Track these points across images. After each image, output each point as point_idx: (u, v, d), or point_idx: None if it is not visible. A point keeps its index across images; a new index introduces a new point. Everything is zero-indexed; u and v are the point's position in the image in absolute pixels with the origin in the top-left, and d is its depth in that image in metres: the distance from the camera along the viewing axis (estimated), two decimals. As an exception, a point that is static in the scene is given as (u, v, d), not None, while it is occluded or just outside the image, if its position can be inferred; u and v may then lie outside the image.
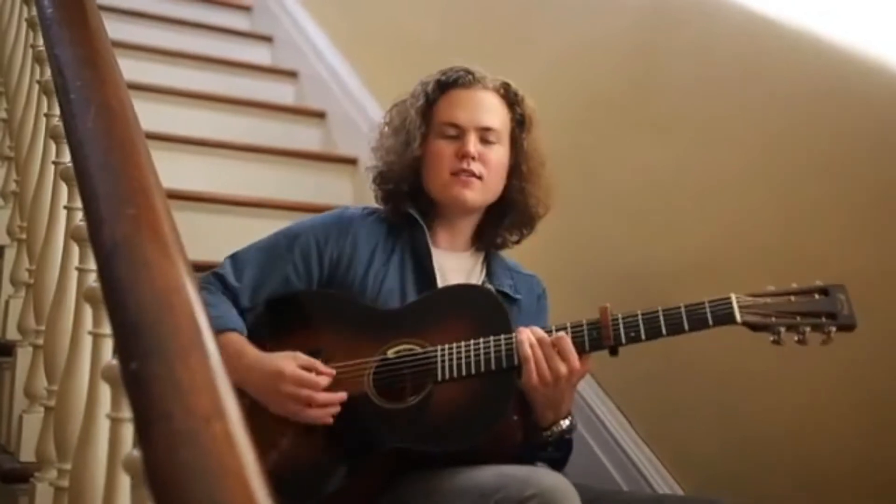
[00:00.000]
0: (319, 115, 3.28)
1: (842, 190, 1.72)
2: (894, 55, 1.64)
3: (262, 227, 2.67)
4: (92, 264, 1.24)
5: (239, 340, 1.52)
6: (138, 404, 0.82)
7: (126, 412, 1.02)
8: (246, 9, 4.03)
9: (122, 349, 0.88)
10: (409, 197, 1.67)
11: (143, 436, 0.79)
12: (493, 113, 1.65)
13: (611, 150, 2.12)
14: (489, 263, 1.70)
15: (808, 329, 1.34)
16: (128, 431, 1.02)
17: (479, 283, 1.66)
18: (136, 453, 0.90)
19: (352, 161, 3.05)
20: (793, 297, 1.36)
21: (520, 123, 1.68)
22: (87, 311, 1.23)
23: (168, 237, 1.02)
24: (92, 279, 1.23)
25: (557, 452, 1.53)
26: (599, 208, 2.11)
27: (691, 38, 2.00)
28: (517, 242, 1.71)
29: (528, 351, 1.42)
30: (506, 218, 1.68)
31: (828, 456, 1.66)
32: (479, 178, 1.61)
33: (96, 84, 1.29)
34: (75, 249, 1.33)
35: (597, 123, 2.16)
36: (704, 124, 1.96)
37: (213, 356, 0.88)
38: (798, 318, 1.34)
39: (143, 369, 0.84)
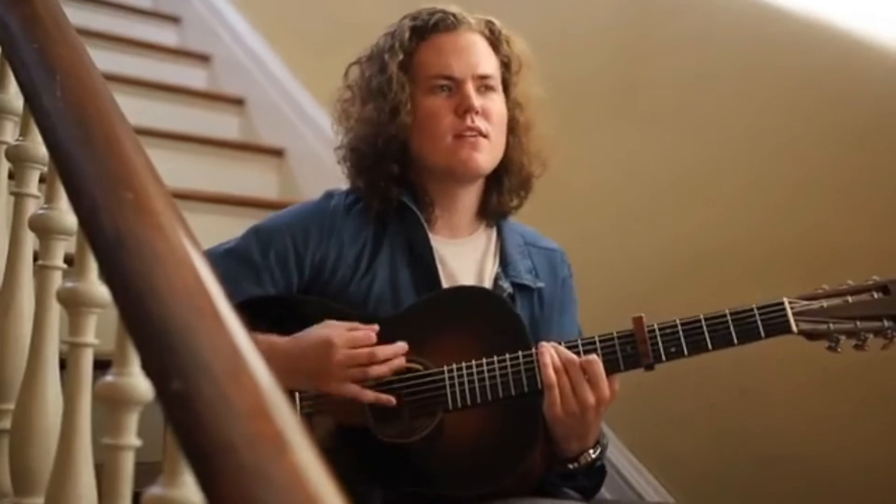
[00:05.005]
0: (238, 102, 3.08)
1: (841, 181, 1.68)
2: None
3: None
4: (58, 260, 1.05)
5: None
6: (191, 433, 0.67)
7: (125, 438, 0.85)
8: (148, -14, 3.76)
9: (156, 365, 0.72)
10: (399, 180, 1.41)
11: (205, 472, 0.64)
12: (487, 57, 1.41)
13: (594, 143, 2.04)
14: (502, 244, 1.46)
15: (869, 335, 1.21)
16: (128, 459, 0.85)
17: (494, 272, 1.43)
18: (160, 490, 0.74)
19: (277, 152, 2.86)
20: (850, 298, 1.23)
21: (507, 67, 1.45)
22: (53, 316, 1.04)
23: (174, 222, 0.86)
24: (59, 277, 1.04)
25: (588, 481, 1.35)
26: (581, 202, 2.02)
27: (686, 28, 1.94)
28: (517, 207, 1.48)
29: (553, 377, 1.22)
30: (505, 181, 1.44)
31: (854, 482, 1.59)
32: (486, 136, 1.37)
33: (56, 48, 1.09)
34: (27, 242, 1.13)
35: (579, 115, 2.07)
36: (697, 117, 1.90)
37: (260, 369, 0.73)
38: (857, 324, 1.21)
39: (191, 390, 0.68)
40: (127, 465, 0.85)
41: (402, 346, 1.27)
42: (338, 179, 2.60)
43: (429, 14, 1.42)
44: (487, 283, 1.42)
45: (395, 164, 1.40)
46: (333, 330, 1.26)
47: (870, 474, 1.59)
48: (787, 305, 1.23)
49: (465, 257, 1.43)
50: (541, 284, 1.45)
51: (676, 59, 1.96)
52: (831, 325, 1.22)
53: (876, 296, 1.24)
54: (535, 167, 1.45)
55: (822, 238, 1.69)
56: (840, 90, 1.70)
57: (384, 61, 1.40)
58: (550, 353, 1.24)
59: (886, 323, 1.22)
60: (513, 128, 1.43)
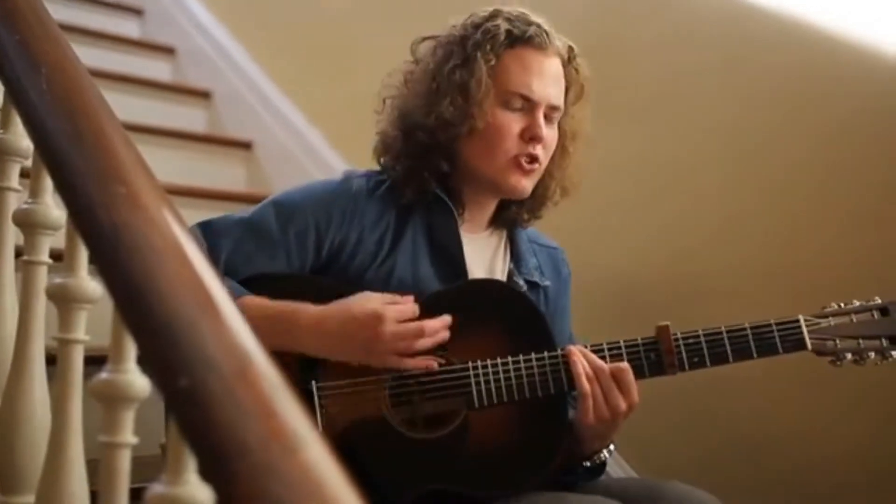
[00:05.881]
0: (204, 95, 3.04)
1: (818, 178, 1.71)
2: (885, 40, 1.65)
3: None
4: (44, 255, 1.04)
5: (271, 303, 1.25)
6: (201, 430, 0.66)
7: (122, 436, 0.85)
8: (108, -23, 3.69)
9: (160, 362, 0.71)
10: (441, 176, 1.38)
11: (217, 470, 0.64)
12: (561, 87, 1.39)
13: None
14: (513, 242, 1.47)
15: (870, 354, 1.28)
16: (125, 457, 0.84)
17: (506, 267, 1.45)
18: (164, 488, 0.74)
19: (245, 145, 2.84)
20: (854, 317, 1.29)
21: (566, 92, 1.41)
22: (39, 312, 1.03)
23: (168, 215, 0.86)
24: (45, 273, 1.03)
25: (589, 474, 1.38)
26: (561, 202, 2.04)
27: (662, 26, 1.96)
28: (528, 221, 1.49)
29: (587, 386, 1.24)
30: (527, 200, 1.43)
31: (830, 463, 1.62)
32: (540, 164, 1.37)
33: (40, 42, 1.08)
34: (9, 237, 1.12)
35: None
36: (674, 114, 1.92)
37: (266, 365, 0.73)
38: (861, 343, 1.28)
39: (199, 387, 0.68)
40: (124, 463, 0.84)
41: (446, 319, 1.25)
42: (306, 172, 2.60)
43: (525, 24, 1.38)
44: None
45: (446, 161, 1.38)
46: (379, 303, 1.24)
47: (846, 454, 1.62)
48: (802, 323, 1.28)
49: (477, 252, 1.43)
50: (547, 283, 1.46)
51: (652, 57, 1.98)
52: (838, 343, 1.28)
53: (875, 316, 1.30)
54: (557, 195, 1.46)
55: (800, 233, 1.72)
56: (818, 88, 1.74)
57: (472, 58, 1.35)
58: (581, 361, 1.26)
59: (884, 343, 1.28)
60: (554, 155, 1.42)
